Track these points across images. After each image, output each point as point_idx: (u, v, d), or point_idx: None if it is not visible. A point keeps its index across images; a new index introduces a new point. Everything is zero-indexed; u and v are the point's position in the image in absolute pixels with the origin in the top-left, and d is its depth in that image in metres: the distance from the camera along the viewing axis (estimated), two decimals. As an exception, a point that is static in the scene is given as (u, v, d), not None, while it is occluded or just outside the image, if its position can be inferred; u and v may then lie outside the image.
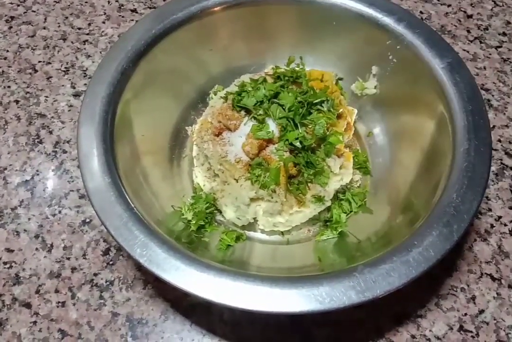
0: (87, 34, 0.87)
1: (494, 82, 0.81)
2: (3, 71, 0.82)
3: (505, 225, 0.68)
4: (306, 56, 0.72)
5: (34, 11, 0.90)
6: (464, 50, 0.86)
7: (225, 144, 0.62)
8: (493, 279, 0.64)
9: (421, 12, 0.91)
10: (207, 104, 0.72)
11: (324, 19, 0.69)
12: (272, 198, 0.60)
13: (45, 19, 0.89)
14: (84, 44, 0.86)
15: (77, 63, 0.83)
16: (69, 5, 0.91)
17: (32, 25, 0.88)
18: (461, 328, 0.61)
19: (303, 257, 0.61)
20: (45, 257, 0.65)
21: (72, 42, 0.86)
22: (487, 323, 0.61)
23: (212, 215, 0.64)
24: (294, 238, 0.65)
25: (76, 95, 0.80)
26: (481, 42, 0.87)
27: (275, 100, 0.62)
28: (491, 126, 0.75)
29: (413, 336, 0.60)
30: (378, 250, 0.52)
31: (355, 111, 0.70)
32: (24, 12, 0.90)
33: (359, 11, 0.67)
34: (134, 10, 0.90)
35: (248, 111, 0.63)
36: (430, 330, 0.61)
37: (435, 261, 0.48)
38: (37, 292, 0.63)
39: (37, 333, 0.60)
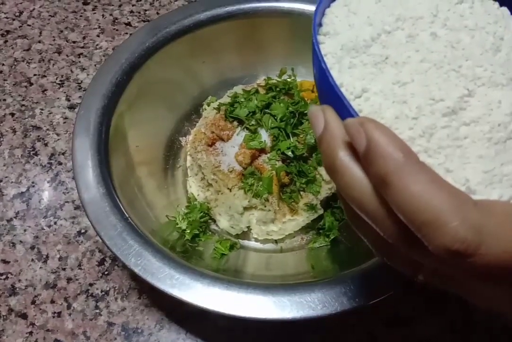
0: (82, 47, 0.88)
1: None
2: (-2, 84, 0.83)
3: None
4: (297, 67, 0.73)
5: (30, 25, 0.91)
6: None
7: (218, 154, 0.63)
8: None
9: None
10: (201, 115, 0.73)
11: (314, 31, 0.71)
12: (265, 206, 0.61)
13: (40, 33, 0.90)
14: (79, 57, 0.87)
15: (72, 76, 0.84)
16: (64, 19, 0.92)
17: (27, 39, 0.89)
18: (453, 331, 0.61)
19: (297, 265, 0.62)
20: (40, 267, 0.65)
21: (67, 55, 0.87)
22: (479, 325, 0.62)
23: (206, 224, 0.65)
24: (288, 246, 0.65)
25: (71, 107, 0.81)
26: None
27: (267, 110, 0.63)
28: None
29: (405, 339, 0.61)
30: (370, 256, 0.53)
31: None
32: (20, 26, 0.91)
33: (349, 23, 0.68)
34: (128, 24, 0.91)
35: (240, 122, 0.64)
36: (422, 333, 0.61)
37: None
38: (33, 302, 0.63)
39: (33, 344, 0.60)
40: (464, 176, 0.28)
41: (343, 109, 0.29)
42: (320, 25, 0.36)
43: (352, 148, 0.28)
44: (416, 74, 0.31)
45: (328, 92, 0.31)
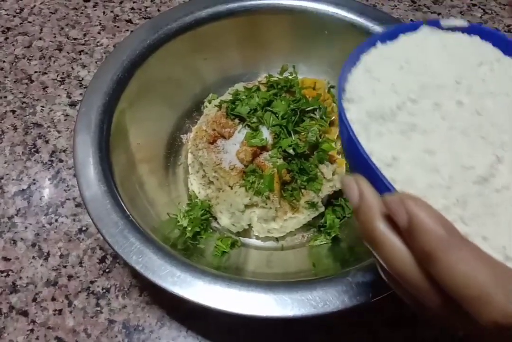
0: (83, 44, 0.88)
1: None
2: (-1, 81, 0.83)
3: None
4: (299, 64, 0.73)
5: (30, 22, 0.91)
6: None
7: (219, 151, 0.63)
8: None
9: (411, 21, 0.92)
10: (202, 113, 0.73)
11: (316, 28, 0.71)
12: (266, 204, 0.61)
13: (41, 30, 0.90)
14: (80, 54, 0.87)
15: (73, 73, 0.84)
16: (64, 16, 0.92)
17: (28, 36, 0.89)
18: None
19: (298, 263, 0.62)
20: (41, 265, 0.65)
21: (68, 52, 0.87)
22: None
23: (207, 222, 0.65)
24: (289, 244, 0.65)
25: (72, 105, 0.80)
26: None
27: (268, 108, 0.63)
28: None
29: (407, 339, 0.61)
30: (371, 254, 0.52)
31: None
32: (20, 23, 0.91)
33: (350, 20, 0.68)
34: (129, 21, 0.91)
35: (242, 119, 0.64)
36: (424, 333, 0.61)
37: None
38: (34, 300, 0.63)
39: (34, 341, 0.60)
40: (500, 243, 0.28)
41: (376, 179, 0.30)
42: (343, 90, 0.36)
43: (389, 219, 0.29)
44: (445, 142, 0.31)
45: (359, 162, 0.31)
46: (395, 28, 0.39)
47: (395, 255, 0.28)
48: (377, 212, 0.29)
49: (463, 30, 0.39)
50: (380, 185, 0.30)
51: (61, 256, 0.66)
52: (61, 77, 0.84)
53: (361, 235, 0.31)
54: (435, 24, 0.39)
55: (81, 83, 0.83)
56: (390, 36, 0.39)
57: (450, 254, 0.25)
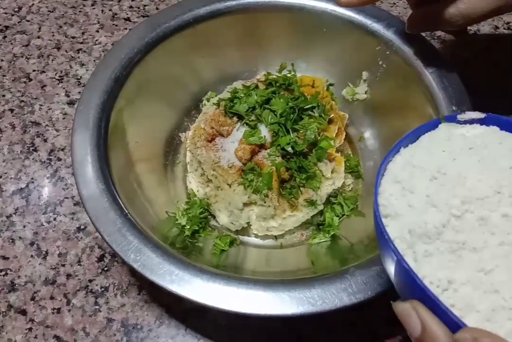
0: (81, 43, 0.88)
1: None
2: (-3, 80, 0.83)
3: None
4: (297, 62, 0.73)
5: (29, 21, 0.91)
6: (453, 55, 0.87)
7: (218, 150, 0.63)
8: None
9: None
10: (200, 111, 0.73)
11: (315, 26, 0.70)
12: (265, 202, 0.60)
13: (40, 28, 0.90)
14: (78, 53, 0.86)
15: (71, 72, 0.84)
16: (63, 15, 0.92)
17: (26, 34, 0.89)
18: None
19: (297, 261, 0.61)
20: (40, 264, 0.65)
21: (66, 51, 0.86)
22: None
23: (206, 220, 0.65)
24: (288, 242, 0.65)
25: (70, 103, 0.80)
26: (470, 47, 0.88)
27: (267, 106, 0.63)
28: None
29: (406, 338, 0.60)
30: (370, 252, 0.52)
31: (346, 116, 0.71)
32: (19, 22, 0.90)
33: (349, 18, 0.68)
34: (127, 19, 0.91)
35: (240, 117, 0.64)
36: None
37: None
38: (33, 299, 0.63)
39: (33, 339, 0.60)
40: None
41: (434, 305, 0.29)
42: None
43: None
44: (498, 259, 0.30)
45: (413, 289, 0.31)
46: (415, 131, 0.40)
47: None
48: None
49: (480, 122, 0.39)
50: (442, 312, 0.29)
51: (59, 255, 0.66)
52: (60, 76, 0.83)
53: None
54: (452, 119, 0.39)
55: (79, 81, 0.83)
56: (411, 139, 0.39)
57: None
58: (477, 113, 0.39)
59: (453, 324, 0.28)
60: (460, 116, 0.39)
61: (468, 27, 0.91)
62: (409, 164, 0.37)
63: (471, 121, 0.39)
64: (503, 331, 0.27)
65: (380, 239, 0.35)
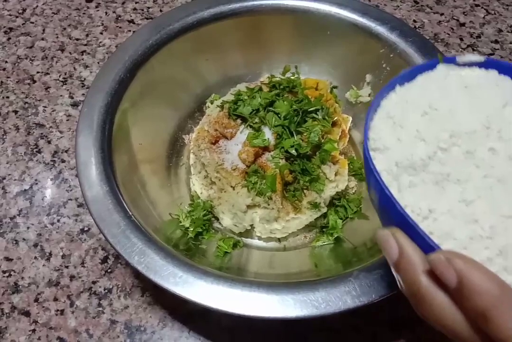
0: (85, 45, 0.88)
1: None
2: (1, 82, 0.83)
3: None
4: (301, 65, 0.73)
5: (33, 23, 0.91)
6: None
7: (221, 152, 0.63)
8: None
9: (414, 21, 0.92)
10: (204, 113, 0.73)
11: (318, 28, 0.71)
12: (268, 204, 0.60)
13: (44, 30, 0.90)
14: (82, 54, 0.87)
15: (75, 74, 0.84)
16: (67, 17, 0.92)
17: (30, 36, 0.89)
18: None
19: (300, 263, 0.61)
20: (44, 265, 0.65)
21: (70, 53, 0.87)
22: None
23: (209, 222, 0.65)
24: (291, 245, 0.65)
25: (74, 105, 0.80)
26: (473, 50, 0.88)
27: (270, 108, 0.63)
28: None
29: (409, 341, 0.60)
30: (373, 255, 0.52)
31: (350, 119, 0.71)
32: (23, 24, 0.91)
33: (353, 21, 0.68)
34: (131, 21, 0.91)
35: (244, 120, 0.64)
36: (426, 335, 0.61)
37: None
38: (36, 300, 0.63)
39: (36, 341, 0.60)
40: None
41: (413, 232, 0.29)
42: (368, 139, 0.36)
43: (432, 274, 0.28)
44: (481, 191, 0.31)
45: (393, 215, 0.31)
46: (413, 69, 0.39)
47: (445, 313, 0.28)
48: (420, 269, 0.29)
49: (479, 65, 0.39)
50: (420, 239, 0.29)
51: (63, 256, 0.66)
52: (64, 78, 0.84)
53: (406, 291, 0.31)
54: (451, 61, 0.39)
55: (83, 83, 0.83)
56: (407, 77, 0.39)
57: (503, 313, 0.25)
58: (476, 56, 0.39)
59: (430, 250, 0.29)
60: (459, 58, 0.39)
61: (472, 30, 0.91)
62: (402, 100, 0.37)
63: (470, 65, 0.39)
64: (478, 259, 0.28)
65: (367, 172, 0.35)
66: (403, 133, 0.34)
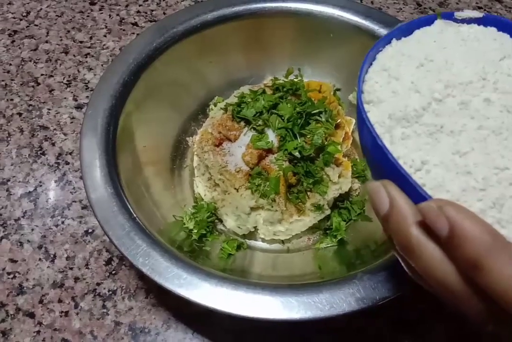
0: (89, 47, 0.88)
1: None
2: (6, 84, 0.83)
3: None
4: (304, 67, 0.73)
5: (37, 25, 0.91)
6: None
7: (225, 154, 0.63)
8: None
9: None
10: (207, 116, 0.73)
11: (321, 31, 0.71)
12: (272, 206, 0.61)
13: (48, 33, 0.90)
14: (86, 57, 0.87)
15: (79, 76, 0.85)
16: (71, 19, 0.92)
17: (34, 39, 0.89)
18: (461, 337, 0.61)
19: (304, 265, 0.62)
20: (48, 267, 0.66)
21: (74, 55, 0.87)
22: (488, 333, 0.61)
23: (213, 224, 0.65)
24: (295, 246, 0.65)
25: (78, 107, 0.81)
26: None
27: (274, 111, 0.63)
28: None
29: (413, 343, 0.61)
30: (377, 257, 0.53)
31: (353, 121, 0.71)
32: (27, 26, 0.91)
33: (356, 23, 0.68)
34: (135, 24, 0.92)
35: (247, 122, 0.64)
36: (431, 338, 0.61)
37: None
38: (41, 302, 0.63)
39: (41, 343, 0.60)
40: None
41: (406, 185, 0.29)
42: (362, 92, 0.35)
43: (423, 225, 0.28)
44: (475, 142, 0.30)
45: (385, 167, 0.31)
46: (410, 24, 0.38)
47: (435, 264, 0.27)
48: (411, 219, 0.28)
49: (478, 22, 0.38)
50: (412, 191, 0.29)
51: (67, 258, 0.66)
52: (68, 80, 0.84)
53: (396, 243, 0.30)
54: (449, 17, 0.38)
55: (87, 86, 0.83)
56: (404, 32, 0.38)
57: (496, 260, 0.25)
58: (475, 12, 0.38)
59: (421, 201, 0.28)
60: (458, 14, 0.38)
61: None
62: (398, 53, 0.36)
63: (469, 22, 0.38)
64: (472, 210, 0.27)
65: (360, 125, 0.34)
66: (398, 85, 0.34)
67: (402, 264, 0.32)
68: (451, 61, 0.34)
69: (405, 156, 0.31)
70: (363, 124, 0.33)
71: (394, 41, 0.38)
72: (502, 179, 0.29)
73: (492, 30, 0.37)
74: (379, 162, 0.32)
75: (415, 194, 0.29)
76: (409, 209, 0.28)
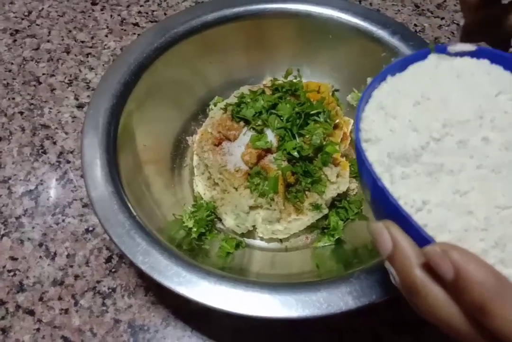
0: (90, 47, 0.89)
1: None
2: (8, 83, 0.84)
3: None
4: (303, 68, 0.74)
5: (38, 25, 0.92)
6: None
7: (224, 154, 0.64)
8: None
9: (415, 25, 0.93)
10: (207, 115, 0.73)
11: (321, 32, 0.71)
12: (270, 206, 0.61)
13: (49, 32, 0.91)
14: (87, 57, 0.88)
15: (81, 76, 0.85)
16: (72, 19, 0.93)
17: (36, 38, 0.90)
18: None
19: (301, 264, 0.62)
20: (48, 265, 0.66)
21: (75, 55, 0.88)
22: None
23: (212, 223, 0.66)
24: (293, 245, 0.66)
25: (80, 106, 0.81)
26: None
27: (273, 111, 0.63)
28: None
29: (409, 342, 0.61)
30: (374, 256, 0.53)
31: (351, 121, 0.71)
32: (29, 26, 0.92)
33: (355, 25, 0.69)
34: (136, 24, 0.92)
35: (247, 122, 0.65)
36: (429, 338, 0.61)
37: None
38: (41, 299, 0.64)
39: (40, 340, 0.61)
40: None
41: (407, 225, 0.29)
42: (360, 130, 0.35)
43: (427, 267, 0.28)
44: (475, 181, 0.30)
45: (386, 207, 0.31)
46: (403, 60, 0.39)
47: (440, 305, 0.28)
48: (415, 262, 0.28)
49: (471, 54, 0.38)
50: (414, 232, 0.29)
51: (67, 256, 0.67)
52: (69, 80, 0.85)
53: (401, 284, 0.30)
54: (443, 50, 0.38)
55: (88, 85, 0.84)
56: (399, 68, 0.38)
57: (501, 304, 0.25)
58: (468, 45, 0.38)
59: (424, 243, 0.29)
60: (451, 48, 0.38)
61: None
62: (394, 90, 0.36)
63: (462, 54, 0.38)
64: (474, 251, 0.27)
65: (360, 164, 0.35)
66: (396, 124, 0.34)
67: (408, 300, 0.33)
68: (447, 99, 0.34)
69: (406, 196, 0.31)
70: (362, 164, 0.33)
71: (389, 77, 0.38)
72: (503, 218, 0.29)
73: (485, 62, 0.37)
74: (380, 202, 0.32)
75: (418, 235, 0.29)
76: (413, 251, 0.29)
